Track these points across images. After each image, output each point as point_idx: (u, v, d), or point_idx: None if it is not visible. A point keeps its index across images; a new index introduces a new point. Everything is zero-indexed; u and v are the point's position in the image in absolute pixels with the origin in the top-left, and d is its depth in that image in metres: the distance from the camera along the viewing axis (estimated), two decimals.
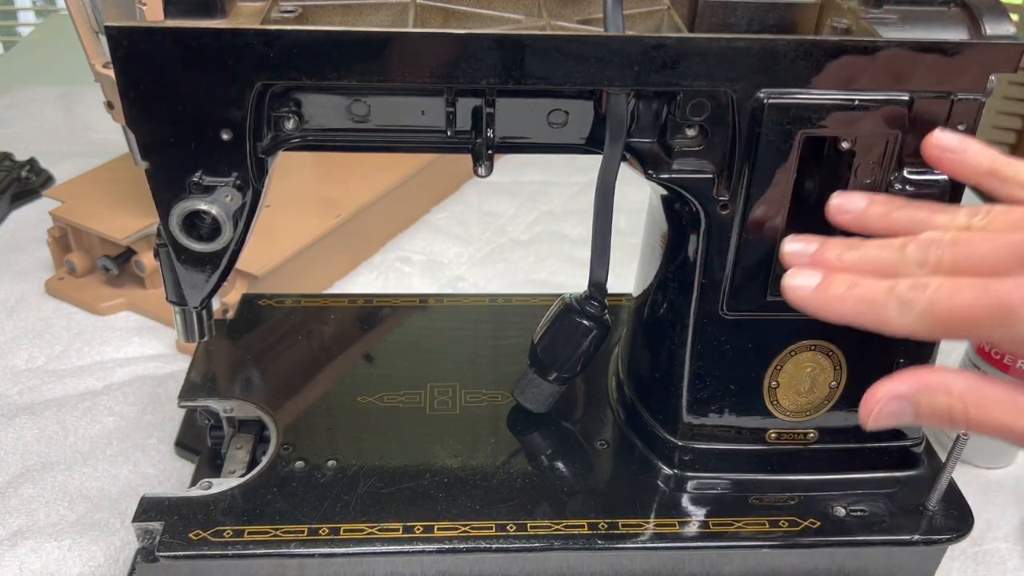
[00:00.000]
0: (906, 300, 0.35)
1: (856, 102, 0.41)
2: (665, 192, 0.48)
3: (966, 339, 0.36)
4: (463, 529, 0.48)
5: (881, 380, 0.38)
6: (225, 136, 0.40)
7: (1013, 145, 0.84)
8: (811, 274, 0.38)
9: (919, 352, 0.50)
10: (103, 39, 0.54)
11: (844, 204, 0.41)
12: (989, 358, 0.58)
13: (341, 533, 0.47)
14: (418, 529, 0.48)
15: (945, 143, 0.40)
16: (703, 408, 0.51)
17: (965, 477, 0.61)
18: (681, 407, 0.51)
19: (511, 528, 0.48)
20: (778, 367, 0.49)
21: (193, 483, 0.53)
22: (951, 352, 0.67)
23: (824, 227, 0.45)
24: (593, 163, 0.46)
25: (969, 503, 0.51)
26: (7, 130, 1.06)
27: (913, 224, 0.39)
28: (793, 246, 0.40)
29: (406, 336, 0.63)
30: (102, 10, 0.62)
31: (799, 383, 0.50)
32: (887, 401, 0.38)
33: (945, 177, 0.43)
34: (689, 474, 0.52)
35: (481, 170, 0.45)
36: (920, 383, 0.37)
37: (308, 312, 0.65)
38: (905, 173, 0.43)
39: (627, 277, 0.59)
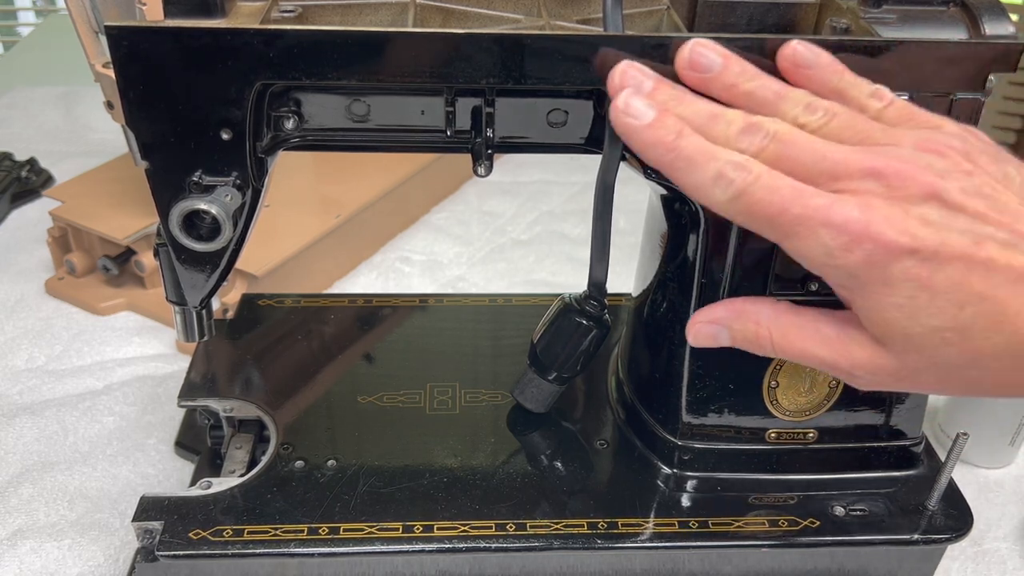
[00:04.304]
0: (727, 177, 0.34)
1: None
2: (665, 192, 0.48)
3: (767, 238, 0.35)
4: (463, 529, 0.48)
5: (707, 306, 0.40)
6: (225, 136, 0.40)
7: (1013, 145, 0.84)
8: (647, 107, 0.36)
9: None
10: (103, 39, 0.55)
11: (698, 60, 0.37)
12: None
13: (341, 533, 0.48)
14: (418, 529, 0.48)
15: (800, 58, 0.38)
16: (703, 408, 0.51)
17: (965, 477, 0.61)
18: (681, 407, 0.51)
19: (511, 528, 0.48)
20: (778, 367, 0.49)
21: (193, 483, 0.53)
22: None
23: None
24: (593, 163, 0.45)
25: (969, 503, 0.51)
26: (7, 130, 1.06)
27: (757, 105, 0.37)
28: (630, 69, 0.37)
29: (406, 336, 0.63)
30: (102, 10, 0.62)
31: (799, 383, 0.50)
32: (705, 324, 0.40)
33: None
34: (689, 474, 0.52)
35: (481, 170, 0.45)
36: (735, 311, 0.39)
37: (308, 312, 0.65)
38: None
39: (627, 277, 0.59)
